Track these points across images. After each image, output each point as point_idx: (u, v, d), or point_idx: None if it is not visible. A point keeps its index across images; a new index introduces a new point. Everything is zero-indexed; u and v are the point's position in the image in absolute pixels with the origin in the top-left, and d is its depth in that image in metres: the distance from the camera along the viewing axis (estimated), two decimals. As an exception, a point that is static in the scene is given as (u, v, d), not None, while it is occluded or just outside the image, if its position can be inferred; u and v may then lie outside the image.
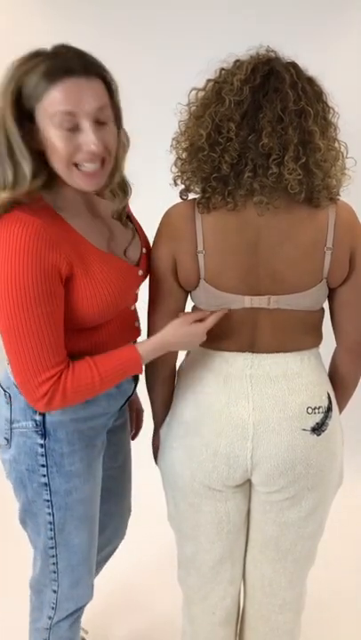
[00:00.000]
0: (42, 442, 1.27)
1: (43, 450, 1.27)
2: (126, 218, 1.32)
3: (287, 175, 1.10)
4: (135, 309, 1.37)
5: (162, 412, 1.41)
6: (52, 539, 1.34)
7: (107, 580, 1.65)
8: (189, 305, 1.34)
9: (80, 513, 1.33)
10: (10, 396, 1.28)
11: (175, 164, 1.22)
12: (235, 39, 1.26)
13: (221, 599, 1.43)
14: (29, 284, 1.07)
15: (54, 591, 1.40)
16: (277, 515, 1.30)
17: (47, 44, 1.08)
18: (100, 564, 1.60)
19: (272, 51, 1.17)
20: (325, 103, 1.16)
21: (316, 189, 1.14)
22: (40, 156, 1.10)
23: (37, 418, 1.25)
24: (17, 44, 1.10)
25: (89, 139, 1.08)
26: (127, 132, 1.22)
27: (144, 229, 1.38)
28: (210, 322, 1.22)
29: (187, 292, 1.29)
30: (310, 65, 1.16)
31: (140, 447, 1.59)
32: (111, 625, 1.90)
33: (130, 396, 1.41)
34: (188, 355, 1.36)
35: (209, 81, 1.17)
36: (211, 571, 1.39)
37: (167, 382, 1.38)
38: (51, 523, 1.32)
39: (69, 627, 1.47)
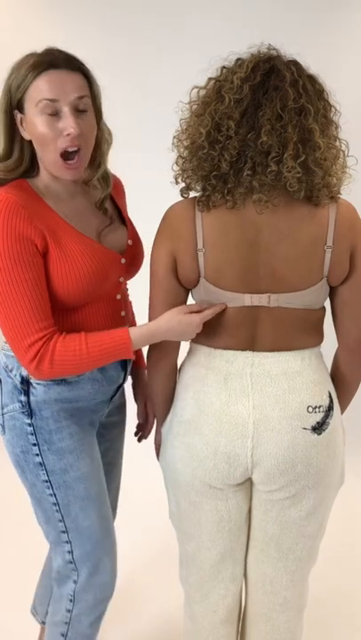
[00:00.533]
0: (29, 421, 1.32)
1: (31, 429, 1.32)
2: (114, 209, 1.40)
3: (286, 173, 1.10)
4: (123, 300, 1.41)
5: (163, 409, 1.41)
6: (61, 522, 1.37)
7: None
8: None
9: (82, 492, 1.36)
10: (0, 381, 1.35)
11: (176, 162, 1.22)
12: (237, 38, 1.26)
13: (223, 597, 1.43)
14: (5, 251, 1.16)
15: (74, 582, 1.42)
16: (278, 513, 1.30)
17: (47, 39, 1.17)
18: None
19: (274, 49, 1.17)
20: (327, 101, 1.16)
21: (316, 187, 1.14)
22: (25, 145, 1.24)
23: (22, 398, 1.31)
24: (21, 46, 1.15)
25: (67, 122, 1.18)
26: (110, 129, 1.33)
27: (146, 229, 1.39)
28: (206, 313, 1.23)
29: (187, 291, 1.30)
30: (312, 62, 1.16)
31: (142, 445, 1.59)
32: (112, 625, 1.90)
33: (119, 386, 1.44)
34: (188, 353, 1.36)
35: (210, 79, 1.17)
36: (212, 569, 1.39)
37: (168, 380, 1.38)
38: (55, 504, 1.35)
39: (90, 624, 1.46)
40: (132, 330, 1.26)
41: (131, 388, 1.60)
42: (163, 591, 2.03)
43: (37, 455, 1.33)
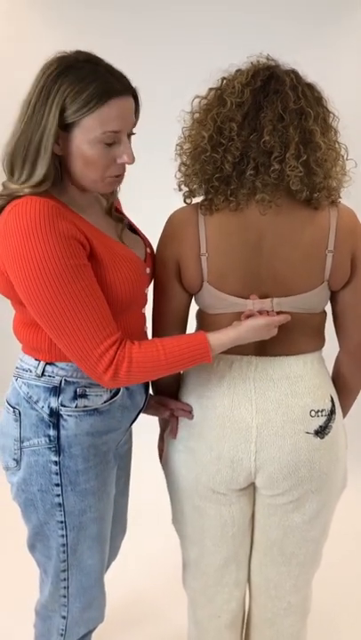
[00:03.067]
0: (56, 459, 1.21)
1: (57, 467, 1.22)
2: (121, 218, 1.34)
3: (289, 172, 1.12)
4: (144, 314, 1.35)
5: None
6: (64, 561, 1.29)
7: (110, 585, 1.64)
8: (193, 309, 1.35)
9: (94, 533, 1.29)
10: (19, 413, 1.23)
11: (179, 169, 1.24)
12: (235, 47, 1.28)
13: (227, 602, 1.43)
14: (57, 257, 1.05)
15: (63, 617, 1.34)
16: (281, 518, 1.31)
17: (49, 49, 1.11)
18: None
19: (272, 59, 1.19)
20: (326, 108, 1.18)
21: (316, 188, 1.15)
22: (56, 162, 1.12)
23: (51, 433, 1.21)
24: (19, 50, 1.13)
25: (126, 152, 1.13)
26: None
27: (148, 235, 1.39)
28: (280, 318, 1.19)
29: (190, 296, 1.30)
30: (310, 71, 1.18)
31: (146, 450, 1.59)
32: (114, 632, 1.89)
33: (140, 410, 1.38)
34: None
35: (211, 89, 1.19)
36: (216, 574, 1.39)
37: (172, 385, 1.38)
38: (64, 545, 1.27)
39: None
40: (210, 335, 1.17)
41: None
42: (166, 597, 2.02)
43: (58, 496, 1.23)
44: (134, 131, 1.18)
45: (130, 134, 1.16)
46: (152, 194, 1.52)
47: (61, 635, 1.37)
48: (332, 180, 1.17)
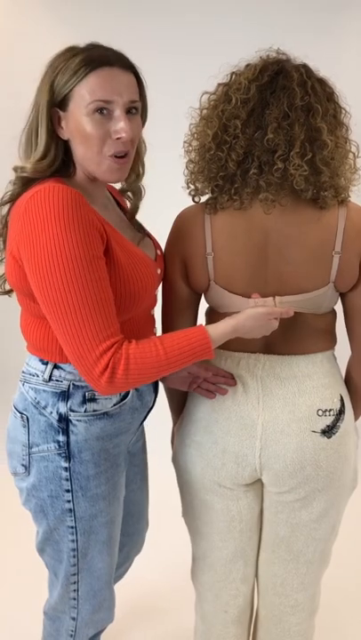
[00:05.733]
0: (66, 465, 1.19)
1: (67, 474, 1.20)
2: (141, 227, 1.33)
3: (292, 171, 1.10)
4: (153, 315, 1.34)
5: (178, 410, 1.43)
6: (74, 565, 1.28)
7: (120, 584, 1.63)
8: (202, 307, 1.35)
9: (104, 537, 1.28)
10: (27, 419, 1.21)
11: (187, 166, 1.23)
12: (245, 42, 1.27)
13: (233, 597, 1.43)
14: (76, 248, 1.02)
15: (73, 618, 1.34)
16: (289, 515, 1.30)
17: (51, 48, 1.13)
18: (116, 579, 1.55)
19: (283, 53, 1.17)
20: (337, 103, 1.16)
21: (323, 187, 1.13)
22: (60, 145, 1.14)
23: (61, 438, 1.19)
24: (20, 48, 1.14)
25: (120, 125, 1.09)
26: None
27: (155, 235, 1.38)
28: (280, 310, 1.16)
29: (199, 296, 1.31)
30: (320, 65, 1.16)
31: (158, 445, 1.60)
32: (123, 628, 1.90)
33: (150, 409, 1.37)
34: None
35: (220, 85, 1.18)
36: (223, 568, 1.40)
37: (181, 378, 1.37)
38: (74, 550, 1.26)
39: None
40: (208, 328, 1.14)
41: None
42: (173, 592, 2.04)
43: (69, 502, 1.21)
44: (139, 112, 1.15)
45: (130, 110, 1.12)
46: (162, 192, 1.52)
47: (71, 636, 1.36)
48: (339, 178, 1.15)
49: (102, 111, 1.08)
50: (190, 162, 1.22)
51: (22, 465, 1.23)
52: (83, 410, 1.19)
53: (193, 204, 1.27)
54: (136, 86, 1.13)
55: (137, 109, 1.14)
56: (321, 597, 1.46)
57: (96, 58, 1.07)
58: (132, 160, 1.17)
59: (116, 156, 1.12)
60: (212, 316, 1.32)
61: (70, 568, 1.28)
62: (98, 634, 1.46)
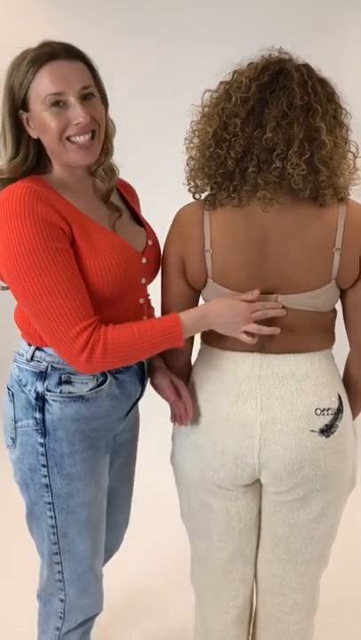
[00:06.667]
0: (42, 440, 1.26)
1: (43, 449, 1.27)
2: (126, 209, 1.37)
3: (290, 170, 1.11)
4: (145, 305, 1.37)
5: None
6: (55, 544, 1.33)
7: (118, 583, 1.64)
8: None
9: (83, 517, 1.32)
10: (13, 394, 1.30)
11: (187, 163, 1.24)
12: (247, 41, 1.27)
13: (233, 598, 1.43)
14: (34, 239, 1.10)
15: (62, 600, 1.39)
16: (287, 515, 1.30)
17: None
18: None
19: (285, 53, 1.18)
20: (337, 104, 1.16)
21: (321, 186, 1.13)
22: (30, 144, 1.21)
23: (37, 415, 1.26)
24: (20, 46, 1.16)
25: (76, 112, 1.15)
26: (113, 120, 1.31)
27: (157, 232, 1.39)
28: (256, 306, 1.18)
29: (198, 293, 1.31)
30: (322, 65, 1.16)
31: (153, 446, 1.60)
32: (121, 631, 1.89)
33: (136, 401, 1.40)
34: (199, 354, 1.37)
35: (221, 83, 1.19)
36: (222, 569, 1.40)
37: (182, 376, 1.38)
38: (53, 527, 1.32)
39: (79, 638, 1.47)
40: (181, 314, 1.20)
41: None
42: (173, 593, 2.03)
43: (45, 477, 1.28)
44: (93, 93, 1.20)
45: (86, 96, 1.17)
46: (166, 188, 1.52)
47: (61, 617, 1.41)
48: (338, 177, 1.15)
49: (58, 103, 1.15)
50: (191, 159, 1.22)
51: (11, 438, 1.32)
52: (58, 391, 1.26)
53: (193, 200, 1.27)
54: (87, 72, 1.19)
55: (93, 94, 1.19)
56: (320, 597, 1.45)
57: (42, 55, 1.14)
58: (101, 141, 1.23)
59: (79, 145, 1.18)
60: None
61: (52, 546, 1.34)
62: (87, 620, 1.47)
